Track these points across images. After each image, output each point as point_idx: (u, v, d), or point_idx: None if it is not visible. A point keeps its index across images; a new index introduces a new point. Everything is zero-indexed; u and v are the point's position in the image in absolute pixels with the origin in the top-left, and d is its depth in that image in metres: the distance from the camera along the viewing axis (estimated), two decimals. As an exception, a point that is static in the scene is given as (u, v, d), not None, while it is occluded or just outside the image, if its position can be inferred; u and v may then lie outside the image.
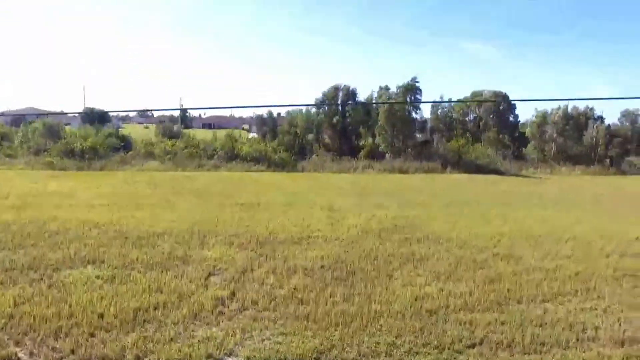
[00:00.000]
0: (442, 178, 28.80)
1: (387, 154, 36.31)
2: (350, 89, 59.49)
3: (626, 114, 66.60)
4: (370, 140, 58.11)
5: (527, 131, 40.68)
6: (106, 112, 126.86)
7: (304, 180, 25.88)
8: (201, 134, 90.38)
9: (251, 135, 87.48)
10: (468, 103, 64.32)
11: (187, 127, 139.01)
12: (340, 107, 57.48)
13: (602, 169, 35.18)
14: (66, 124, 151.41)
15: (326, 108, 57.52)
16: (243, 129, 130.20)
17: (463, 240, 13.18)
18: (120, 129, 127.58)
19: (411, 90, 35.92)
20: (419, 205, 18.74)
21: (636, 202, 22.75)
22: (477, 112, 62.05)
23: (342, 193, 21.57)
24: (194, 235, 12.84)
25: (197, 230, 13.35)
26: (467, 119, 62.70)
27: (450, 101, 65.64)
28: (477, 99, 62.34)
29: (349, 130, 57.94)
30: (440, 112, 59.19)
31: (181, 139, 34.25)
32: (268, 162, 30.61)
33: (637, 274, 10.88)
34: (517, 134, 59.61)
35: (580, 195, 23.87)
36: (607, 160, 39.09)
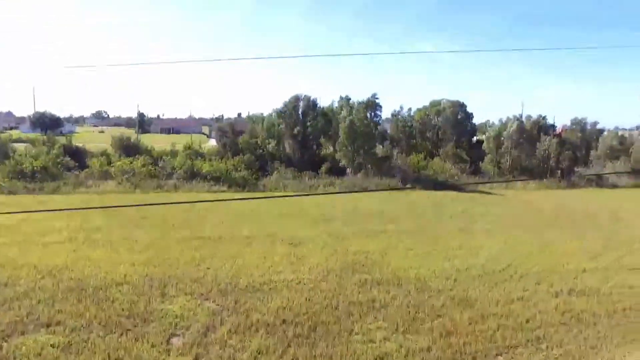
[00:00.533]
0: (401, 197, 29.30)
1: (348, 169, 36.68)
2: (312, 99, 59.81)
3: (576, 122, 70.01)
4: (331, 149, 58.59)
5: (484, 145, 42.04)
6: (58, 118, 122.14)
7: (265, 204, 25.77)
8: (160, 140, 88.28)
9: (211, 142, 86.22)
10: (427, 112, 65.83)
11: (145, 131, 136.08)
12: (301, 117, 57.66)
13: (553, 183, 36.72)
14: (14, 127, 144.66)
15: (287, 118, 57.61)
16: (202, 133, 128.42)
17: (421, 280, 13.52)
18: (73, 134, 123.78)
19: (371, 106, 36.42)
20: (378, 235, 19.04)
21: (584, 220, 23.91)
22: (437, 121, 63.59)
23: (302, 220, 21.63)
24: (154, 284, 12.65)
25: (157, 277, 13.16)
26: (426, 128, 64.23)
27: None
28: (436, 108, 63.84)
29: (310, 139, 58.25)
30: (401, 122, 60.27)
31: (138, 158, 33.19)
32: (229, 181, 30.35)
33: (582, 317, 11.49)
34: (474, 141, 61.38)
35: (534, 216, 24.75)
36: (559, 172, 40.79)
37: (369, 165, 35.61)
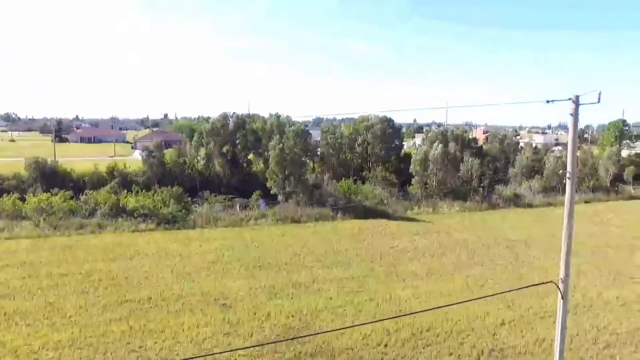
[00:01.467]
0: (331, 231, 29.51)
1: (279, 197, 36.60)
2: (241, 115, 59.22)
3: (494, 135, 74.58)
4: (261, 165, 58.33)
5: (411, 167, 43.49)
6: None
7: (194, 247, 25.19)
8: (80, 152, 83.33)
9: (135, 155, 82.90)
10: (357, 127, 67.33)
11: (62, 140, 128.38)
12: (230, 135, 56.92)
13: (476, 205, 38.85)
14: None
15: (216, 136, 56.79)
16: (126, 141, 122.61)
17: (353, 350, 13.90)
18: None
19: (302, 134, 36.55)
20: (310, 287, 19.25)
21: (498, 255, 25.58)
22: (365, 135, 65.26)
23: (234, 269, 21.43)
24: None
25: (82, 368, 12.56)
26: (356, 143, 65.78)
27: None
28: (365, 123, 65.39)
29: (240, 156, 57.74)
30: (331, 139, 61.16)
31: (57, 192, 31.02)
32: (157, 218, 29.35)
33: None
34: (401, 162, 63.46)
35: (456, 252, 25.77)
36: (481, 190, 43.16)
37: (300, 194, 35.82)
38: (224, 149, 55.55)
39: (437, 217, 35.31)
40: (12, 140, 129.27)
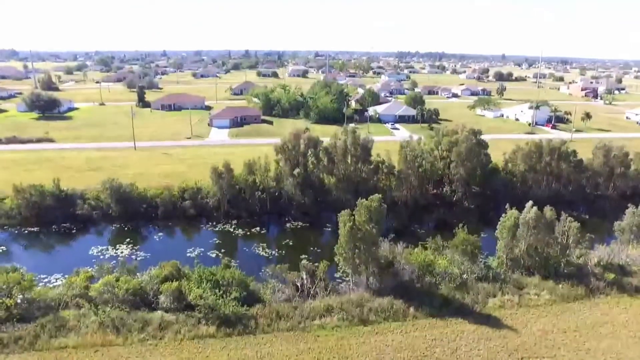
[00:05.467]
0: (399, 348, 26.83)
1: (349, 275, 33.95)
2: (314, 136, 55.77)
3: (599, 146, 65.48)
4: (333, 180, 55.51)
5: (497, 232, 38.46)
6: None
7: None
8: (159, 129, 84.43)
9: (212, 135, 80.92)
10: (440, 141, 61.94)
11: (145, 105, 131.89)
12: (302, 156, 54.14)
13: (570, 290, 33.96)
14: (12, 96, 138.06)
15: (287, 154, 54.28)
16: (205, 107, 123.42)
17: None
18: (71, 113, 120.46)
19: (375, 211, 32.95)
20: None
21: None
22: (448, 152, 59.69)
23: None
24: None
25: None
26: (437, 159, 60.51)
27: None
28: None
29: (312, 175, 54.99)
30: (410, 154, 56.46)
31: (120, 283, 30.52)
32: (218, 318, 28.12)
33: None
34: (486, 177, 57.73)
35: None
36: (575, 258, 37.71)
37: (372, 269, 33.13)
38: (295, 172, 52.97)
39: (522, 314, 31.31)
40: (102, 104, 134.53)
